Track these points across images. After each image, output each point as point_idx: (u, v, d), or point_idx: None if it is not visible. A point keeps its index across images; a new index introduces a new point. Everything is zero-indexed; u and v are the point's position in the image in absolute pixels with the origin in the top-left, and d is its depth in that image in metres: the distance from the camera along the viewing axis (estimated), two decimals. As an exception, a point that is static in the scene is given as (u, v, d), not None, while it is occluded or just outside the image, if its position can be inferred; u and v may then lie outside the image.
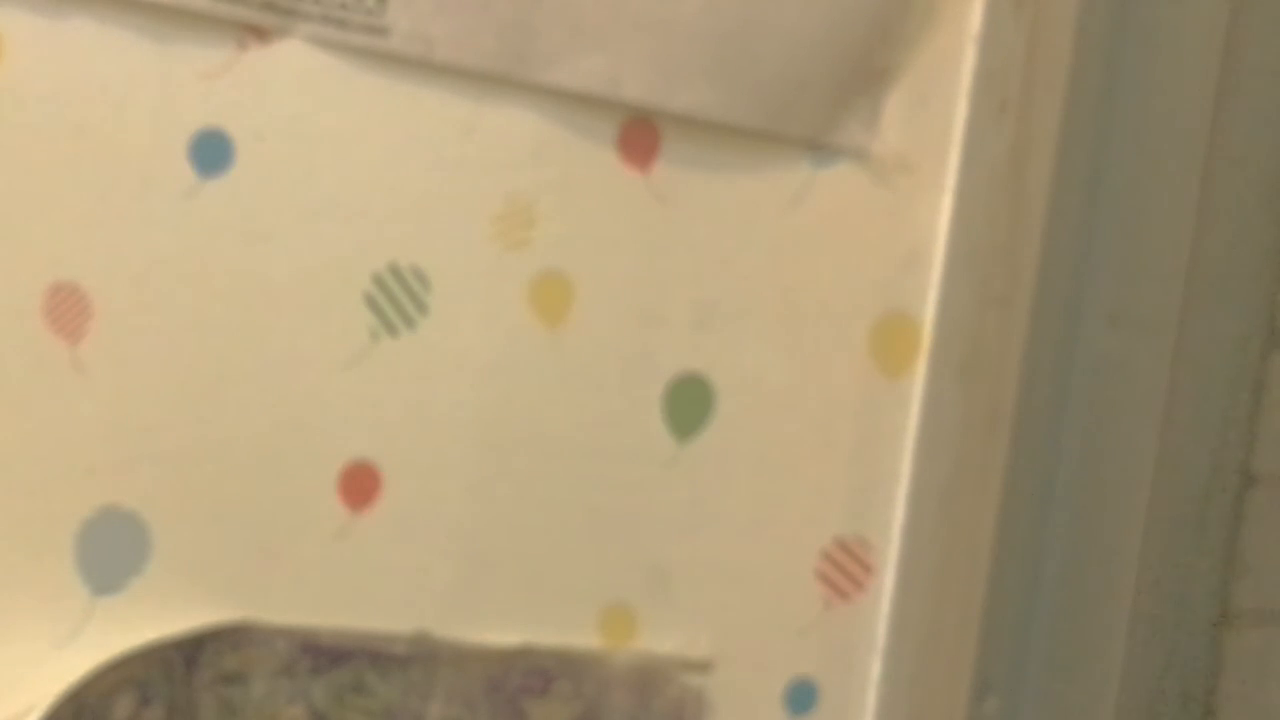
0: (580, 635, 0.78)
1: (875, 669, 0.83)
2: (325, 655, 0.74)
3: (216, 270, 0.71)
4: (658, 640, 0.80)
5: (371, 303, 0.73)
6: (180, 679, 0.71)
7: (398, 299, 0.74)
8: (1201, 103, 0.88)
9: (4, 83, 0.67)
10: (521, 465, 0.76)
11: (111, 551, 0.71)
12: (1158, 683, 0.91)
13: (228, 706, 0.72)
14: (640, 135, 0.77)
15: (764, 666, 0.82)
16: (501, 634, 0.77)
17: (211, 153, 0.70)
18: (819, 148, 0.79)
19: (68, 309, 0.69)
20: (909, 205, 0.81)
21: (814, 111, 0.79)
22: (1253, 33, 0.88)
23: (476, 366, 0.75)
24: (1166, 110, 0.87)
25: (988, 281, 0.82)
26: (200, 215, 0.70)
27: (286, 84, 0.71)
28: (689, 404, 0.79)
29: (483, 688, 0.76)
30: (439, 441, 0.75)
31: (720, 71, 0.76)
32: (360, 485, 0.74)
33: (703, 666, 0.80)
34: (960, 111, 0.81)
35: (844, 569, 0.82)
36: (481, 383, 0.75)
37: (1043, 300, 0.84)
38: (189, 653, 0.72)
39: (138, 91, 0.69)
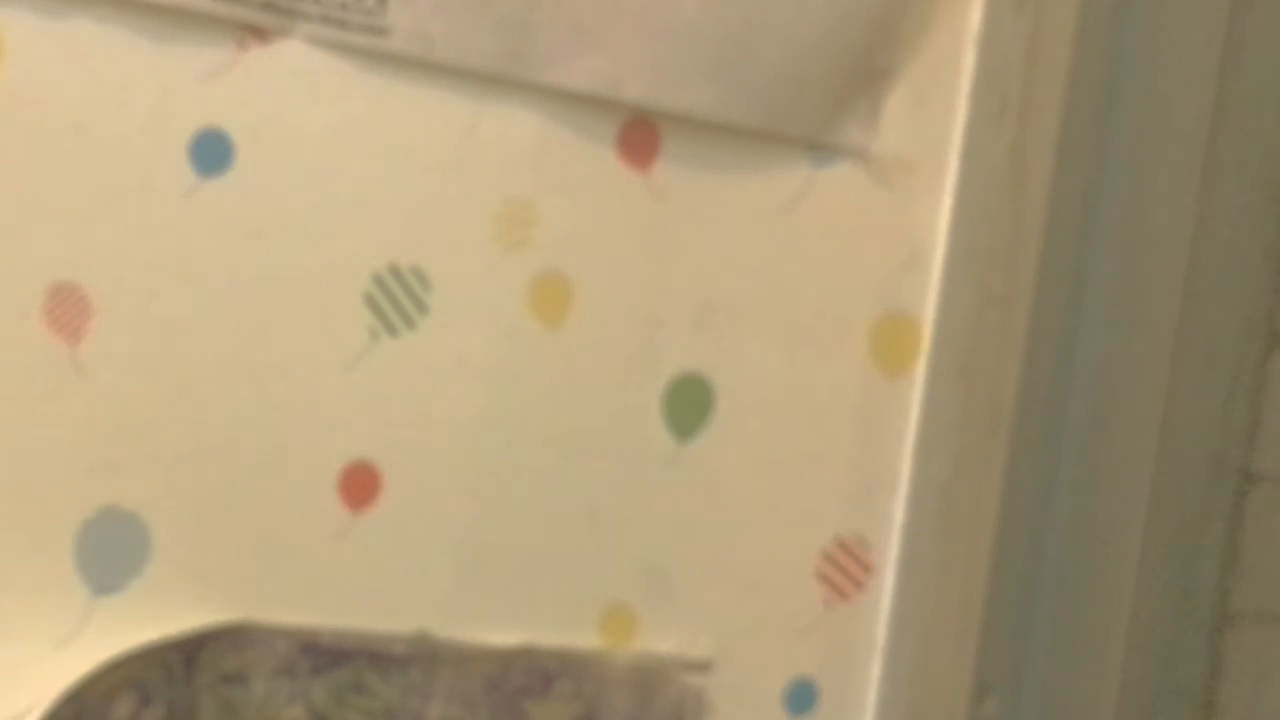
0: (580, 635, 0.78)
1: (875, 669, 0.83)
2: (325, 655, 0.74)
3: (216, 270, 0.71)
4: (658, 640, 0.80)
5: (371, 303, 0.73)
6: (180, 679, 0.71)
7: (398, 299, 0.74)
8: (1201, 103, 0.88)
9: (4, 83, 0.67)
10: (521, 465, 0.76)
11: (111, 551, 0.70)
12: (1158, 683, 0.91)
13: (228, 707, 0.72)
14: (640, 135, 0.77)
15: (764, 666, 0.82)
16: (501, 634, 0.77)
17: (211, 153, 0.70)
18: (819, 148, 0.79)
19: (68, 309, 0.69)
20: (909, 205, 0.81)
21: (814, 111, 0.79)
22: (1253, 33, 0.88)
23: (476, 366, 0.75)
24: (1166, 110, 0.87)
25: (988, 281, 0.82)
26: (200, 215, 0.70)
27: (286, 84, 0.71)
28: (689, 404, 0.79)
29: (483, 688, 0.76)
30: (439, 441, 0.75)
31: (720, 71, 0.76)
32: (360, 485, 0.74)
33: (703, 666, 0.80)
34: (960, 111, 0.81)
35: (844, 569, 0.82)
36: (481, 383, 0.75)
37: (1043, 300, 0.84)
38: (189, 653, 0.71)
39: (138, 91, 0.69)
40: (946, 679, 0.84)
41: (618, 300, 0.77)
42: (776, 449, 0.81)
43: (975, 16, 0.81)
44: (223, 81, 0.70)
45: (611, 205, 0.77)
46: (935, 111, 0.81)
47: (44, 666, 0.69)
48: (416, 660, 0.75)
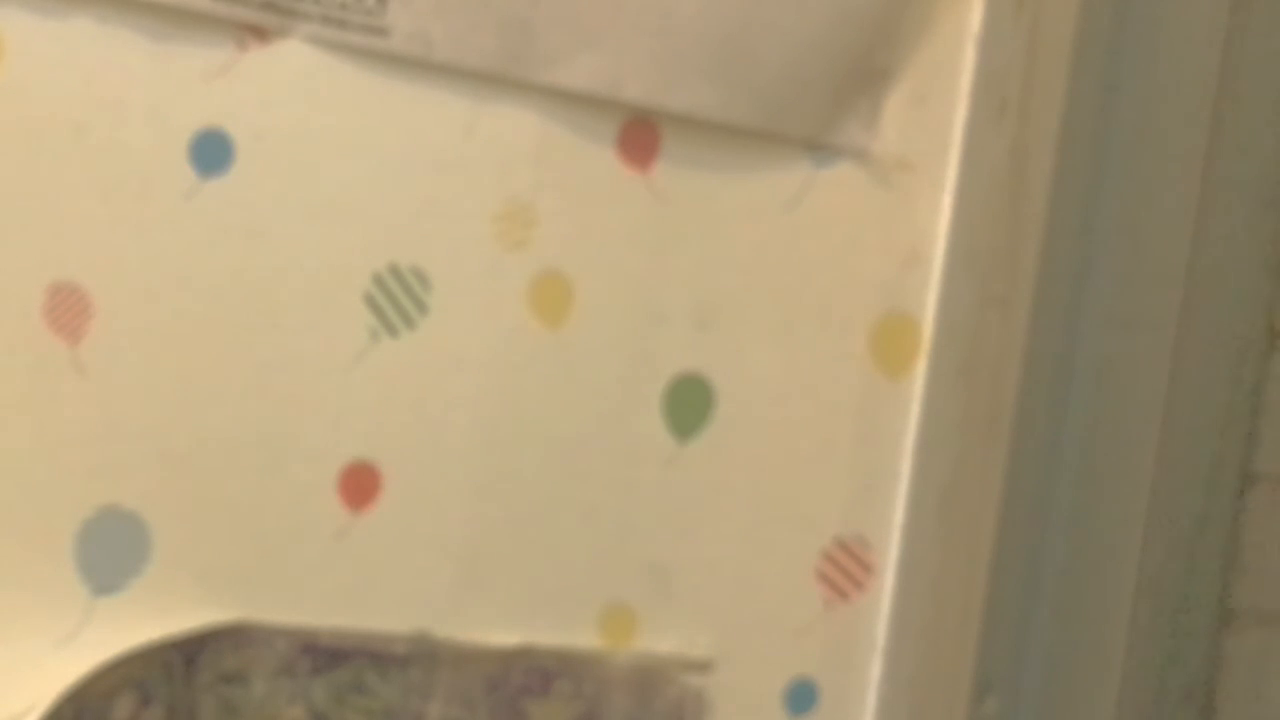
0: (580, 635, 0.78)
1: (875, 669, 0.83)
2: (325, 655, 0.74)
3: (216, 270, 0.71)
4: (658, 640, 0.80)
5: (371, 303, 0.73)
6: (180, 679, 0.71)
7: (398, 299, 0.74)
8: (1201, 103, 0.88)
9: (4, 83, 0.67)
10: (521, 465, 0.76)
11: (111, 551, 0.70)
12: (1158, 682, 0.91)
13: (228, 707, 0.72)
14: (640, 135, 0.77)
15: (764, 666, 0.82)
16: (501, 634, 0.77)
17: (211, 153, 0.70)
18: (819, 148, 0.79)
19: (68, 309, 0.69)
20: (909, 205, 0.81)
21: (814, 111, 0.79)
22: (1253, 33, 0.88)
23: (476, 367, 0.75)
24: (1166, 110, 0.87)
25: (988, 281, 0.82)
26: (200, 215, 0.70)
27: (286, 84, 0.71)
28: (689, 404, 0.79)
29: (483, 688, 0.76)
30: (439, 441, 0.75)
31: (720, 71, 0.76)
32: (360, 485, 0.74)
33: (703, 666, 0.80)
34: (960, 111, 0.81)
35: (844, 569, 0.82)
36: (481, 383, 0.75)
37: (1043, 300, 0.84)
38: (189, 653, 0.72)
39: (138, 91, 0.69)
40: (946, 679, 0.84)
41: (618, 300, 0.77)
42: (776, 449, 0.81)
43: (975, 16, 0.81)
44: (223, 81, 0.70)
45: (611, 205, 0.77)
46: (935, 111, 0.81)
47: (44, 666, 0.69)
48: (416, 660, 0.75)
